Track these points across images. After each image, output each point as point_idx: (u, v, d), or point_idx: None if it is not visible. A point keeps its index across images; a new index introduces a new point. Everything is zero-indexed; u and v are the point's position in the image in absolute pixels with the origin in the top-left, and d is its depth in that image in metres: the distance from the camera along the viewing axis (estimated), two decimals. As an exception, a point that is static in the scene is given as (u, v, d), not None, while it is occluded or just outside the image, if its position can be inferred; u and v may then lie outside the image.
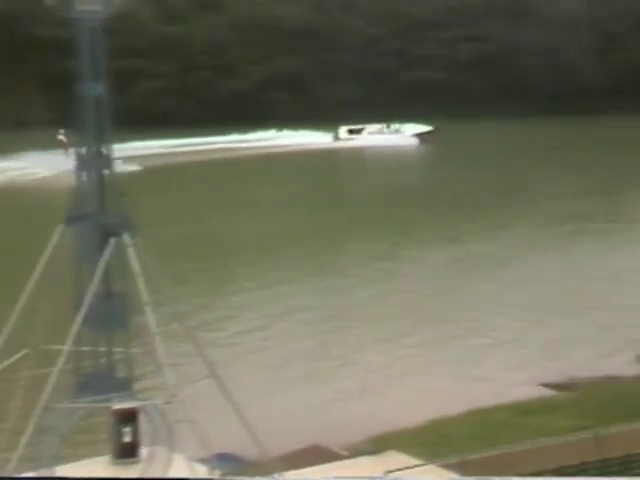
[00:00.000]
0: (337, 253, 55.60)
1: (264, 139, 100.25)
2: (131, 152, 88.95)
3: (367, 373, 34.10)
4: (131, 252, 19.44)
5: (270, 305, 43.01)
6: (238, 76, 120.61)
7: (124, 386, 20.09)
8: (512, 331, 38.74)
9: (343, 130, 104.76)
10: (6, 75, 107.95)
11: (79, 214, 19.73)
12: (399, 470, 20.66)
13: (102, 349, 20.22)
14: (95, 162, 19.81)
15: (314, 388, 32.82)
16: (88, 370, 20.19)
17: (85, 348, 20.11)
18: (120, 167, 73.82)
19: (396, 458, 22.85)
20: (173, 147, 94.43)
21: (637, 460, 17.95)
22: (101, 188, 19.89)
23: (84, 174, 19.87)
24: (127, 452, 21.02)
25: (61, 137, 76.75)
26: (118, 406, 20.35)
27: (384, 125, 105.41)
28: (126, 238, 19.53)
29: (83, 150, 19.77)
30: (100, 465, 21.01)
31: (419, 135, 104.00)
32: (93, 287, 19.31)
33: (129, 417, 20.72)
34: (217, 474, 20.24)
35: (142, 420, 20.83)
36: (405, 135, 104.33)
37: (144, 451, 21.08)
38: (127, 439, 20.95)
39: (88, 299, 19.24)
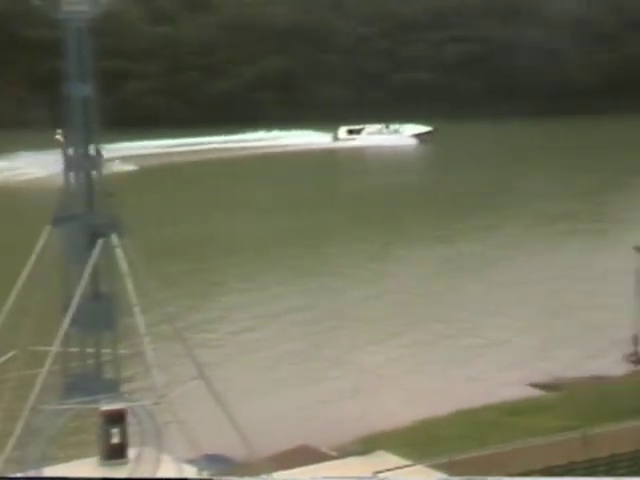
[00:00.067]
0: (331, 253, 55.48)
1: (263, 139, 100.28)
2: (127, 152, 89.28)
3: (359, 374, 34.07)
4: (119, 253, 19.40)
5: (262, 306, 43.02)
6: (227, 76, 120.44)
7: (112, 387, 20.05)
8: (502, 331, 38.79)
9: (342, 130, 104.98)
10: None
11: (67, 215, 19.67)
12: (388, 470, 20.68)
13: (90, 350, 20.17)
14: (83, 163, 19.76)
15: (304, 389, 32.80)
16: (76, 371, 20.14)
17: (73, 349, 20.06)
18: (116, 167, 73.69)
19: (385, 458, 22.87)
20: (170, 147, 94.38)
21: (623, 460, 18.04)
22: (89, 189, 19.84)
23: (72, 175, 19.82)
24: (115, 453, 20.95)
25: (58, 137, 76.46)
26: (106, 407, 20.28)
27: (383, 125, 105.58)
28: (114, 239, 19.49)
29: (71, 151, 19.72)
30: (88, 466, 20.94)
31: (418, 135, 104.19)
32: (81, 288, 19.26)
33: (117, 418, 20.65)
34: (205, 475, 20.21)
35: (130, 421, 20.79)
36: (404, 135, 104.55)
37: (132, 452, 21.03)
38: (115, 440, 20.88)
39: (76, 300, 19.18)
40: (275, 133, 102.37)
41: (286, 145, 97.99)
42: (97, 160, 19.84)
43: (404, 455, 23.04)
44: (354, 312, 41.92)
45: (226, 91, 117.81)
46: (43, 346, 19.59)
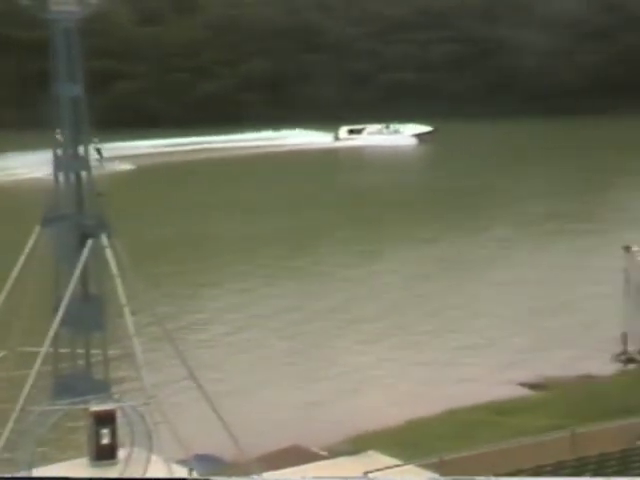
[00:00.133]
0: (322, 253, 55.49)
1: (264, 139, 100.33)
2: (126, 151, 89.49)
3: (349, 374, 34.11)
4: (109, 253, 19.39)
5: (252, 307, 43.02)
6: (215, 77, 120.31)
7: (102, 388, 20.04)
8: (493, 331, 38.88)
9: (343, 130, 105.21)
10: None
11: (56, 215, 19.66)
12: (378, 470, 20.72)
13: (80, 351, 20.16)
14: (73, 163, 19.75)
15: (295, 389, 32.83)
16: (66, 372, 20.12)
17: (63, 350, 20.04)
18: (114, 166, 73.84)
19: (375, 458, 22.92)
20: (170, 146, 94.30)
21: (612, 459, 18.13)
22: (79, 189, 19.83)
23: (61, 175, 19.81)
24: (105, 454, 20.95)
25: (59, 136, 76.24)
26: (96, 408, 20.27)
27: (384, 125, 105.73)
28: (104, 239, 19.49)
29: (60, 151, 19.71)
30: (78, 467, 20.92)
31: (418, 135, 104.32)
32: (70, 288, 19.24)
33: (107, 419, 20.64)
34: (196, 475, 20.22)
35: (120, 422, 20.78)
36: (405, 135, 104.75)
37: (122, 452, 21.02)
38: (105, 441, 20.87)
39: (65, 301, 19.17)
40: (276, 133, 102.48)
41: (287, 145, 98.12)
42: (86, 160, 19.83)
43: (394, 455, 23.09)
44: (344, 313, 41.92)
45: (215, 91, 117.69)
46: (32, 347, 19.56)
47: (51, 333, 19.27)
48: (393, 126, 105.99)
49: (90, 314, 19.72)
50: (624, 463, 18.07)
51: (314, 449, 25.57)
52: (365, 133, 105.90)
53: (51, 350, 19.54)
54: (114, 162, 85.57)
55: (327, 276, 49.08)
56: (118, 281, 19.29)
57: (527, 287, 45.61)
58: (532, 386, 33.00)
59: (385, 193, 73.20)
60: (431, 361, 35.49)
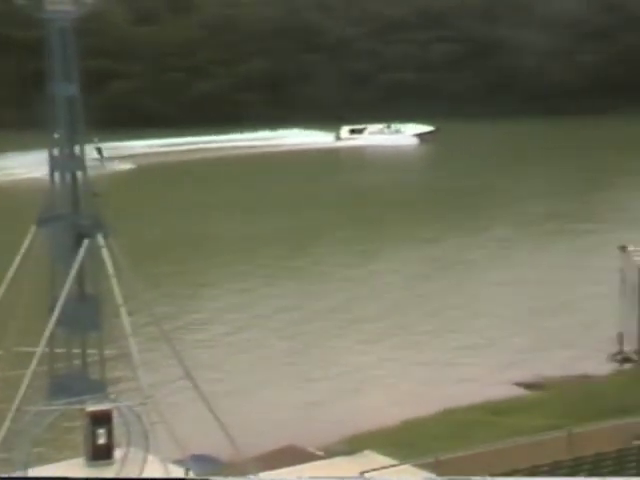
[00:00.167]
0: (321, 253, 55.50)
1: (266, 138, 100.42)
2: (126, 151, 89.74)
3: (349, 374, 34.11)
4: (105, 253, 19.39)
5: (252, 307, 43.04)
6: (211, 77, 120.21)
7: (98, 388, 20.04)
8: (493, 331, 38.91)
9: (345, 130, 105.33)
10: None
11: (52, 215, 19.66)
12: (374, 470, 20.72)
13: (76, 351, 20.16)
14: (68, 163, 19.75)
15: (295, 389, 32.84)
16: (62, 372, 20.12)
17: (59, 350, 20.04)
18: (114, 165, 74.20)
19: (371, 458, 22.92)
20: (171, 146, 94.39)
21: (608, 459, 18.15)
22: (74, 189, 19.82)
23: (57, 175, 19.81)
24: (101, 454, 20.96)
25: (58, 136, 76.07)
26: (92, 408, 20.27)
27: (385, 125, 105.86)
28: (100, 239, 19.48)
29: (56, 151, 19.70)
30: (74, 467, 20.93)
31: (420, 135, 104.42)
32: (66, 288, 19.24)
33: (103, 419, 20.66)
34: (192, 475, 20.22)
35: (117, 422, 20.78)
36: (406, 135, 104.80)
37: (119, 452, 21.02)
38: (101, 441, 20.89)
39: (62, 301, 19.17)
40: (277, 132, 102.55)
41: (288, 144, 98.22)
42: (82, 160, 19.82)
43: (391, 455, 23.09)
44: (345, 312, 41.91)
45: (211, 91, 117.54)
46: (28, 347, 19.55)
47: (47, 333, 19.27)
48: (394, 126, 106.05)
49: (86, 314, 19.72)
50: (620, 463, 18.09)
51: (310, 449, 25.57)
52: (366, 133, 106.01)
53: (47, 350, 19.53)
54: (114, 162, 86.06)
55: (327, 276, 49.08)
56: (114, 281, 19.29)
57: (527, 287, 45.63)
58: (528, 386, 33.03)
59: (386, 193, 73.18)
60: (431, 361, 35.51)
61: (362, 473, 20.38)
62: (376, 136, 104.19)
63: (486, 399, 30.65)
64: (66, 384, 19.79)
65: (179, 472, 20.01)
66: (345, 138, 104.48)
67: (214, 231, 60.05)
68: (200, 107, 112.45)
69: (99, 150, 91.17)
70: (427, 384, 32.85)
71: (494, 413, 29.29)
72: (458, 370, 34.22)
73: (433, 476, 20.26)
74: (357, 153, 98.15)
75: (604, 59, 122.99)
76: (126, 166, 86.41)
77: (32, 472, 18.99)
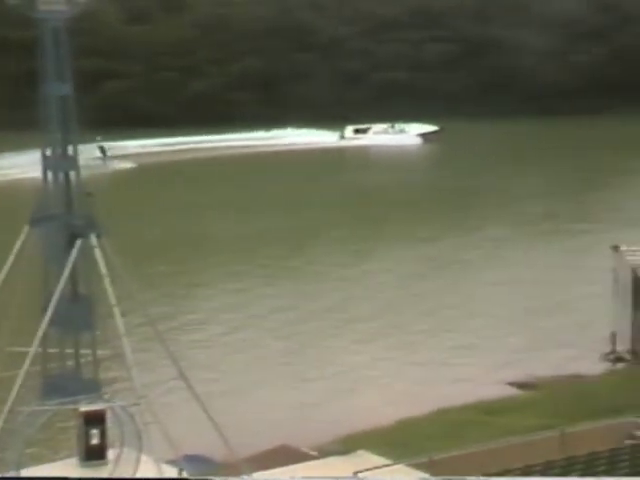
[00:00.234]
0: (319, 253, 55.50)
1: (269, 138, 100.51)
2: (127, 150, 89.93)
3: (344, 374, 34.12)
4: (98, 253, 19.38)
5: (248, 307, 43.00)
6: (205, 76, 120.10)
7: (91, 388, 20.02)
8: (489, 331, 38.96)
9: (349, 130, 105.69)
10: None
11: (45, 215, 19.64)
12: (368, 470, 20.74)
13: (69, 351, 20.14)
14: (61, 163, 19.72)
15: (290, 389, 32.85)
16: (55, 372, 20.10)
17: (52, 350, 20.02)
18: (115, 164, 74.47)
19: (365, 458, 22.93)
20: (172, 145, 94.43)
21: (601, 458, 18.21)
22: (67, 189, 19.81)
23: (50, 175, 19.79)
24: (95, 454, 20.93)
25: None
26: (85, 408, 20.25)
27: (389, 125, 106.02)
28: (93, 239, 19.47)
29: (48, 151, 19.68)
30: (67, 467, 20.91)
31: (424, 135, 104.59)
32: (60, 289, 19.23)
33: (97, 419, 20.63)
34: (185, 475, 20.22)
35: (110, 422, 20.76)
36: (410, 135, 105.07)
37: (112, 453, 21.01)
38: (95, 441, 20.86)
39: (55, 301, 19.15)
40: (282, 131, 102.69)
41: (292, 144, 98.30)
42: (75, 160, 19.81)
43: (384, 454, 23.12)
44: (340, 312, 41.88)
45: (204, 90, 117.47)
46: (21, 347, 19.53)
47: (40, 333, 19.25)
48: (398, 126, 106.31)
49: (79, 314, 19.70)
50: (612, 462, 18.15)
51: (304, 449, 25.58)
52: (371, 133, 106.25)
53: (40, 350, 19.51)
54: (116, 160, 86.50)
55: (323, 275, 49.08)
56: (107, 281, 19.29)
57: (521, 287, 45.72)
58: (521, 386, 33.09)
59: (387, 192, 73.31)
60: (425, 361, 35.56)
61: (356, 473, 20.39)
62: (380, 136, 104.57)
63: (479, 399, 30.70)
64: (59, 384, 19.77)
65: (172, 472, 20.01)
66: (349, 138, 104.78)
67: (214, 231, 60.09)
68: (194, 106, 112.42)
69: (102, 149, 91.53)
70: (421, 384, 32.90)
71: (487, 413, 29.34)
72: (452, 370, 34.28)
73: (427, 476, 20.29)
74: (361, 152, 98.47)
75: (599, 59, 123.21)
76: (127, 165, 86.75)
77: (25, 472, 18.98)
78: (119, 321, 19.36)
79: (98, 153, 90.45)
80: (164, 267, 50.32)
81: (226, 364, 35.64)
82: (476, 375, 33.69)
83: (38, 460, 21.35)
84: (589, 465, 17.96)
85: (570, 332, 38.24)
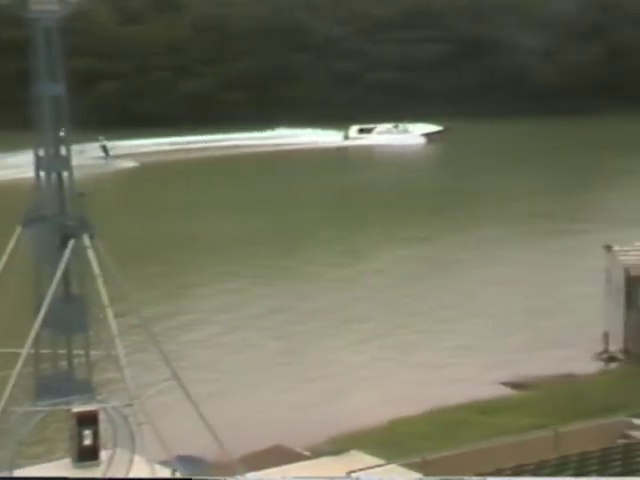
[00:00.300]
0: (316, 253, 55.48)
1: (273, 137, 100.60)
2: (129, 150, 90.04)
3: (342, 374, 34.11)
4: (90, 254, 19.36)
5: (245, 307, 43.00)
6: (198, 76, 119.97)
7: (84, 388, 19.99)
8: (487, 331, 38.99)
9: (353, 129, 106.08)
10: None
11: (37, 216, 19.60)
12: (361, 470, 20.74)
13: (62, 351, 20.11)
14: (54, 163, 19.69)
15: (288, 389, 32.84)
16: (48, 373, 20.07)
17: (45, 351, 19.99)
18: (117, 164, 74.48)
19: (358, 458, 22.94)
20: (175, 144, 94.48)
21: (594, 457, 18.26)
22: (60, 189, 19.78)
23: (43, 175, 19.76)
24: (88, 455, 20.93)
25: (62, 134, 76.07)
26: (78, 409, 20.22)
27: (393, 125, 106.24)
28: (85, 240, 19.45)
29: (41, 151, 19.64)
30: (60, 468, 20.89)
31: (427, 135, 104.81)
32: (52, 289, 19.20)
33: (89, 420, 20.62)
34: (178, 475, 20.20)
35: (103, 423, 20.74)
36: (414, 135, 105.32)
37: (105, 453, 20.99)
38: (87, 442, 20.85)
39: (47, 301, 19.12)
40: (285, 131, 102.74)
41: (297, 143, 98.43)
42: (68, 160, 19.77)
43: (378, 454, 23.13)
44: (336, 312, 41.88)
45: (198, 91, 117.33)
46: (14, 348, 19.49)
47: (33, 334, 19.21)
48: (402, 126, 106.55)
49: (72, 315, 19.67)
50: (605, 462, 18.19)
51: (297, 449, 25.58)
52: (375, 132, 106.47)
53: (33, 351, 19.47)
54: (117, 160, 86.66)
55: (316, 275, 49.06)
56: (100, 282, 19.26)
57: (517, 287, 45.77)
58: (515, 385, 33.13)
59: (389, 192, 73.39)
60: (421, 361, 35.59)
61: (349, 473, 20.39)
62: (384, 135, 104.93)
63: (473, 399, 30.73)
64: (52, 385, 19.74)
65: (166, 473, 19.99)
66: (353, 137, 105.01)
67: (215, 231, 60.02)
68: (188, 106, 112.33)
69: (104, 148, 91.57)
70: (416, 384, 32.91)
71: (481, 413, 29.38)
72: (447, 370, 34.32)
73: (420, 476, 20.31)
74: (365, 152, 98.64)
75: (598, 59, 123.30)
76: (130, 164, 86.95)
77: (18, 473, 18.95)
78: (112, 322, 19.34)
79: (100, 152, 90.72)
80: (159, 267, 50.25)
81: (222, 364, 35.64)
82: (470, 375, 33.73)
83: (32, 461, 21.32)
84: (582, 464, 18.00)
85: (564, 332, 38.29)
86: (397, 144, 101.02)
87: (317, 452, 24.49)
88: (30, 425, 19.30)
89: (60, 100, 19.36)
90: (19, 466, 19.53)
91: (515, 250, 54.28)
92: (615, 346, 36.04)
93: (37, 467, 20.90)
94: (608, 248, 37.79)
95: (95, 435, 20.82)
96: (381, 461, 22.29)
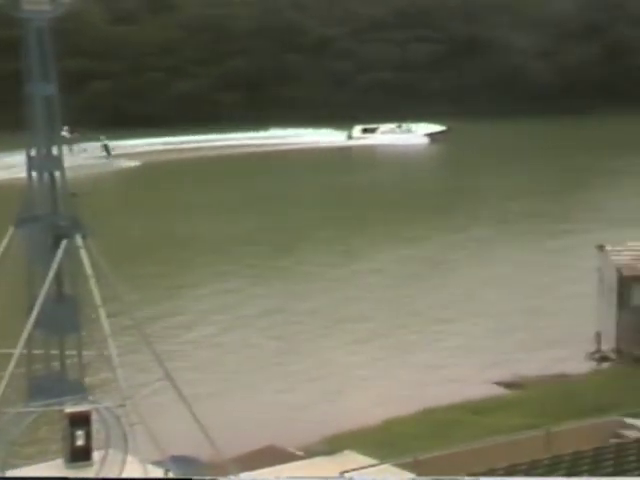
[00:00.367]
0: (313, 252, 55.53)
1: (279, 137, 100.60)
2: (131, 149, 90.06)
3: (339, 374, 34.14)
4: (83, 254, 19.34)
5: (241, 307, 42.98)
6: (191, 77, 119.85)
7: (77, 389, 19.97)
8: (485, 331, 39.04)
9: (357, 129, 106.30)
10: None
11: (30, 216, 19.58)
12: (354, 470, 20.76)
13: (54, 352, 20.08)
14: (46, 163, 19.66)
15: (285, 390, 32.85)
16: (40, 373, 20.04)
17: (37, 351, 19.96)
18: (119, 163, 74.57)
19: (351, 458, 22.96)
20: (177, 144, 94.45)
21: (586, 457, 18.30)
22: (52, 190, 19.75)
23: (35, 175, 19.73)
24: (80, 455, 20.89)
25: (64, 133, 76.32)
26: (71, 409, 20.20)
27: (396, 124, 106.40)
28: (78, 240, 19.43)
29: (33, 151, 19.61)
30: (53, 469, 20.85)
31: (430, 135, 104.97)
32: (45, 290, 19.17)
33: (82, 420, 20.59)
34: (172, 476, 20.19)
35: (96, 423, 20.71)
36: (417, 134, 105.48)
37: (98, 454, 20.96)
38: (80, 442, 20.82)
39: (40, 302, 19.09)
40: (290, 130, 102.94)
41: (300, 143, 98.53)
42: (60, 160, 19.74)
43: (371, 454, 23.15)
44: (331, 312, 41.88)
45: (190, 91, 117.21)
46: (6, 348, 19.46)
47: (25, 334, 19.18)
48: (406, 125, 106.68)
49: (64, 315, 19.65)
50: (597, 461, 18.23)
51: (290, 449, 25.59)
52: (378, 132, 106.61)
53: (25, 352, 19.44)
54: (119, 159, 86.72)
55: (312, 275, 49.03)
56: (93, 282, 19.25)
57: (510, 287, 45.87)
58: (508, 385, 33.19)
59: (389, 192, 73.48)
60: (415, 361, 35.64)
61: (342, 473, 20.40)
62: (387, 135, 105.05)
63: (466, 398, 30.78)
64: (45, 386, 19.72)
65: (159, 473, 19.99)
66: (357, 137, 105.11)
67: (213, 231, 60.03)
68: (180, 107, 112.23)
69: (106, 147, 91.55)
70: (410, 384, 32.95)
71: (474, 412, 29.42)
72: (440, 370, 34.36)
73: (413, 476, 20.33)
74: (368, 152, 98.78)
75: (596, 59, 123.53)
76: (131, 163, 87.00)
77: (10, 474, 18.91)
78: (104, 322, 19.32)
79: (102, 152, 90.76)
80: (157, 267, 50.21)
81: (219, 364, 35.62)
82: (463, 375, 33.78)
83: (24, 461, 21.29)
84: (574, 464, 18.03)
85: (558, 332, 38.37)
86: (400, 144, 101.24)
87: (310, 452, 24.51)
88: (22, 426, 19.27)
89: (52, 100, 19.33)
90: (11, 467, 19.50)
91: (514, 250, 54.42)
92: (607, 346, 36.13)
93: (29, 468, 20.86)
94: (601, 248, 37.87)
95: (88, 436, 20.80)
96: (374, 461, 22.32)
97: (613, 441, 21.18)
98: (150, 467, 19.70)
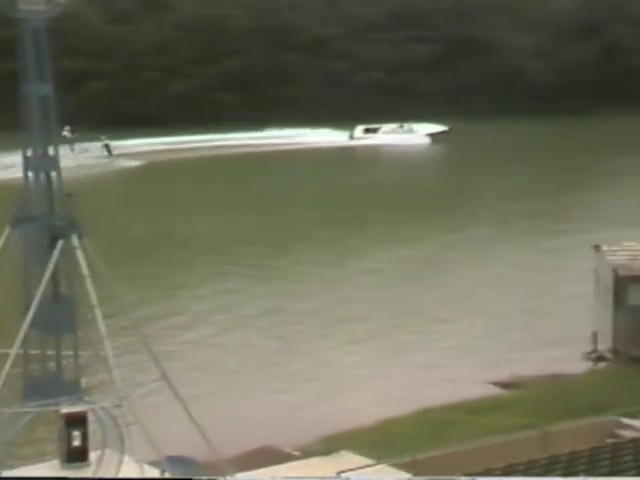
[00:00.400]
0: (312, 252, 55.53)
1: (280, 137, 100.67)
2: (133, 149, 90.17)
3: (337, 375, 34.13)
4: (79, 254, 19.34)
5: (239, 307, 42.97)
6: (187, 76, 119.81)
7: (73, 389, 19.96)
8: (483, 331, 39.05)
9: (359, 129, 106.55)
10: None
11: (26, 216, 19.58)
12: (351, 470, 20.74)
13: (50, 352, 20.08)
14: (42, 163, 19.66)
15: (283, 390, 32.84)
16: (36, 373, 20.03)
17: (33, 351, 19.95)
18: (121, 163, 74.60)
19: (348, 458, 22.95)
20: (178, 144, 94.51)
21: (583, 457, 18.31)
22: (49, 190, 19.76)
23: (31, 175, 19.73)
24: (77, 456, 20.86)
25: (65, 133, 76.48)
26: (67, 410, 20.18)
27: (398, 125, 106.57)
28: (74, 240, 19.43)
29: (29, 151, 19.61)
30: (49, 469, 20.83)
31: (432, 135, 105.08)
32: (41, 290, 19.17)
33: (78, 421, 20.56)
34: (168, 476, 20.19)
35: (92, 424, 20.70)
36: (419, 135, 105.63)
37: (94, 455, 20.94)
38: (76, 443, 20.79)
39: (36, 302, 19.09)
40: (291, 131, 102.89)
41: (302, 143, 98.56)
42: (56, 160, 19.75)
43: (368, 455, 23.14)
44: (335, 312, 41.86)
45: (186, 91, 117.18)
46: (2, 348, 19.45)
47: (21, 335, 19.18)
48: (407, 125, 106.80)
49: (61, 315, 19.65)
50: (594, 461, 18.24)
51: (287, 449, 25.58)
52: (380, 132, 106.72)
53: (21, 352, 19.43)
54: (120, 159, 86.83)
55: (308, 275, 49.02)
56: (89, 282, 19.25)
57: (507, 287, 45.87)
58: (504, 385, 33.20)
59: (389, 192, 73.45)
60: (413, 361, 35.63)
61: (339, 473, 20.38)
62: (389, 135, 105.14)
63: (463, 398, 30.78)
64: (41, 386, 19.71)
65: (155, 473, 20.00)
66: (359, 137, 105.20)
67: (212, 231, 60.00)
68: (176, 107, 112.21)
69: (107, 147, 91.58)
70: (408, 384, 32.95)
71: (471, 412, 29.43)
72: (438, 370, 34.35)
73: (409, 476, 20.32)
74: (370, 152, 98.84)
75: (595, 59, 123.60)
76: (133, 163, 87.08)
77: (6, 474, 18.90)
78: (101, 322, 19.32)
79: (103, 152, 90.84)
80: (155, 267, 50.16)
81: (217, 365, 35.60)
82: (460, 375, 33.78)
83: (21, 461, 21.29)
84: (571, 464, 18.04)
85: (553, 332, 38.38)
86: (402, 144, 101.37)
87: (307, 452, 24.50)
88: (19, 426, 19.27)
89: (48, 100, 19.33)
90: (8, 467, 19.48)
91: (512, 250, 54.44)
92: (604, 346, 36.15)
93: (25, 468, 20.86)
94: (597, 248, 37.89)
95: (84, 436, 20.77)
96: (371, 461, 22.30)
97: (610, 441, 21.18)
98: (146, 467, 19.71)
